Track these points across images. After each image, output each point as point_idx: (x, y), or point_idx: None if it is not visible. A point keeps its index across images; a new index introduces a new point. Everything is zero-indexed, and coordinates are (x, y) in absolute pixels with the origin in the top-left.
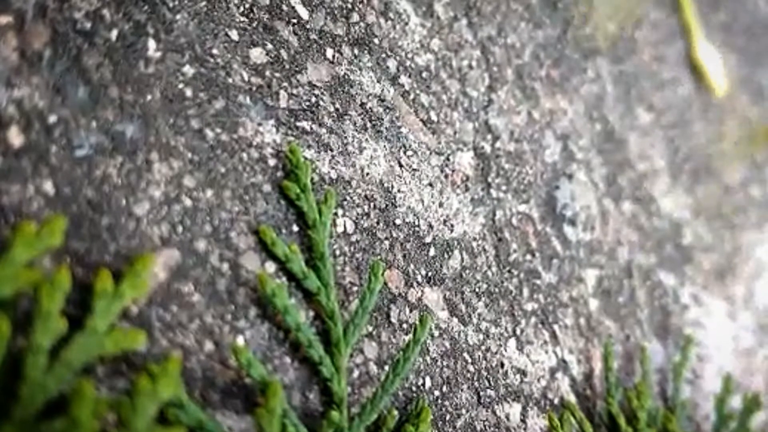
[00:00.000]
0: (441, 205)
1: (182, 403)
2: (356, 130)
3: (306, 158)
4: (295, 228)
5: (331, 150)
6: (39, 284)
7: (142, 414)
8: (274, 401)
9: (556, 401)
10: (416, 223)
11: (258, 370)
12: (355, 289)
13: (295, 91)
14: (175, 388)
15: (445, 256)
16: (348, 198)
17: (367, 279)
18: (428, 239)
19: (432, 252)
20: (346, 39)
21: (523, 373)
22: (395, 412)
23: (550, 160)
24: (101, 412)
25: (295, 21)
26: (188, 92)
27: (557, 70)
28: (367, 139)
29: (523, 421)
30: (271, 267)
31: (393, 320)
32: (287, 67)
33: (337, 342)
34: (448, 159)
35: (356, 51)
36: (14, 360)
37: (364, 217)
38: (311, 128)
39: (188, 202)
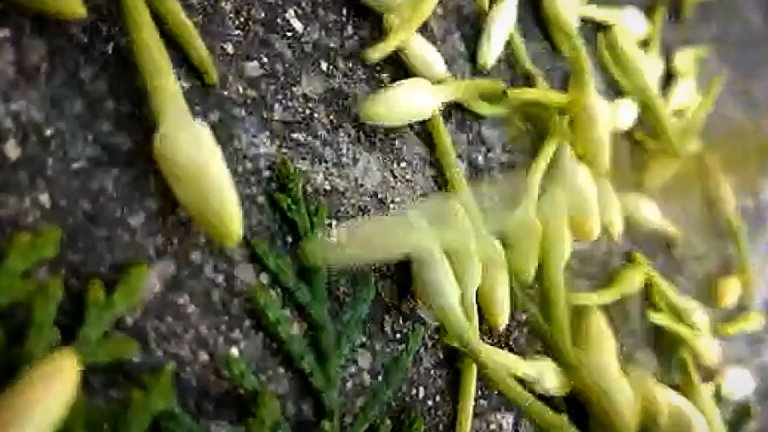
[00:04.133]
0: None
1: (175, 414)
2: (350, 142)
3: (300, 170)
4: (289, 239)
5: (326, 162)
6: (33, 295)
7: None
8: (266, 411)
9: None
10: None
11: (251, 381)
12: (348, 299)
13: (289, 104)
14: (168, 400)
15: None
16: (342, 209)
17: (360, 289)
18: None
19: None
20: (340, 52)
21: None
22: (388, 422)
23: None
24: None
25: (290, 34)
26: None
27: (550, 81)
28: (361, 151)
29: (516, 430)
30: (265, 278)
31: (386, 330)
32: (282, 79)
33: (329, 353)
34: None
35: (351, 64)
36: (9, 369)
37: None
38: (306, 140)
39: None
